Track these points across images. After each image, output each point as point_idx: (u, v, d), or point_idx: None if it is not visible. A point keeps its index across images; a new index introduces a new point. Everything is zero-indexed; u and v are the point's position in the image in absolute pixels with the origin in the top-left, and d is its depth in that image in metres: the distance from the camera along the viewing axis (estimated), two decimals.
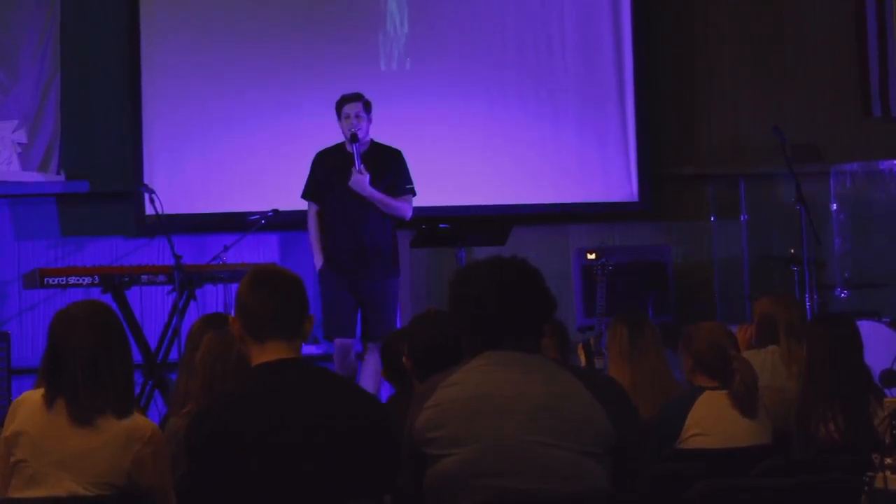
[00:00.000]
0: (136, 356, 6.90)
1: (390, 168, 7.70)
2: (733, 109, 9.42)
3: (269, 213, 8.11)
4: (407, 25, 8.95)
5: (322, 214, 7.71)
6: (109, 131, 8.72)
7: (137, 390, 6.88)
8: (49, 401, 3.69)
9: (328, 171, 7.70)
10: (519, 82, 9.02)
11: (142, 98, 8.63)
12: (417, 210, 8.20)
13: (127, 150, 8.63)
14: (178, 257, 7.41)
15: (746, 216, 9.29)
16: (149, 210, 7.91)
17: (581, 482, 3.09)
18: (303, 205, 8.61)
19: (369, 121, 7.65)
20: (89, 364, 3.68)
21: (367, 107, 7.65)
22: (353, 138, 7.53)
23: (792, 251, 8.44)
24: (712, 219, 9.32)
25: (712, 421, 4.60)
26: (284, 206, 8.30)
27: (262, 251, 8.71)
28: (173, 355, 7.29)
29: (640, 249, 8.95)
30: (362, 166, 7.52)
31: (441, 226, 7.72)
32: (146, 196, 7.85)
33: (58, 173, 8.60)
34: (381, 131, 8.75)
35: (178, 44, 8.72)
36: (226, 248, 7.92)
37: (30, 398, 3.76)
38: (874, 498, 3.29)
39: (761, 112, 9.34)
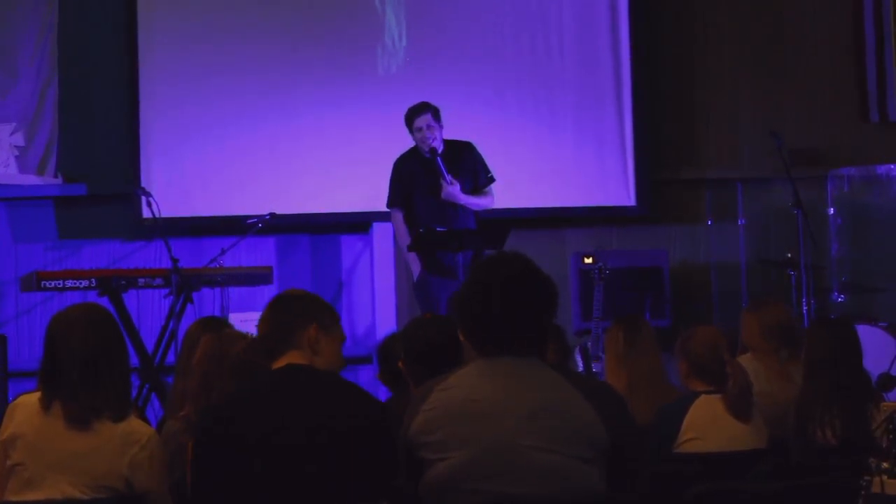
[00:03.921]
0: (133, 359, 6.90)
1: (467, 163, 7.81)
2: (731, 114, 9.42)
3: (267, 217, 8.11)
4: (405, 27, 8.94)
5: (408, 220, 7.78)
6: (107, 134, 8.72)
7: (134, 394, 6.89)
8: (46, 404, 3.69)
9: (410, 177, 7.79)
10: (516, 86, 9.02)
11: (139, 101, 8.63)
12: None
13: (124, 152, 8.63)
14: (175, 260, 7.41)
15: (744, 220, 9.30)
16: (146, 213, 7.91)
17: (575, 487, 3.09)
18: (299, 208, 8.64)
19: (441, 128, 7.73)
20: (86, 367, 3.68)
21: (436, 115, 7.74)
22: (434, 152, 7.65)
23: (789, 255, 8.44)
24: (709, 223, 9.33)
25: (708, 425, 4.60)
26: (282, 209, 8.31)
27: (259, 254, 8.71)
28: (170, 358, 7.28)
29: (637, 253, 8.95)
30: (451, 177, 7.63)
31: (438, 229, 7.72)
32: (143, 199, 7.85)
33: (55, 176, 8.59)
34: (378, 134, 8.77)
35: (176, 47, 8.72)
36: (223, 252, 7.91)
37: (27, 401, 3.76)
38: (871, 501, 3.29)
39: (759, 116, 9.34)
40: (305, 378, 3.39)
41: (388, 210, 8.21)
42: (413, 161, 7.81)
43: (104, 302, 7.02)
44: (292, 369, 3.43)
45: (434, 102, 8.48)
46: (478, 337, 3.22)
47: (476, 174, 7.84)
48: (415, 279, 7.84)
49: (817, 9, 9.47)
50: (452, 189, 7.63)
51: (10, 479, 3.67)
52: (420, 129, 7.67)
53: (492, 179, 7.87)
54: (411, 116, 7.72)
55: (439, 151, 7.67)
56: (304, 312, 3.54)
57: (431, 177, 7.66)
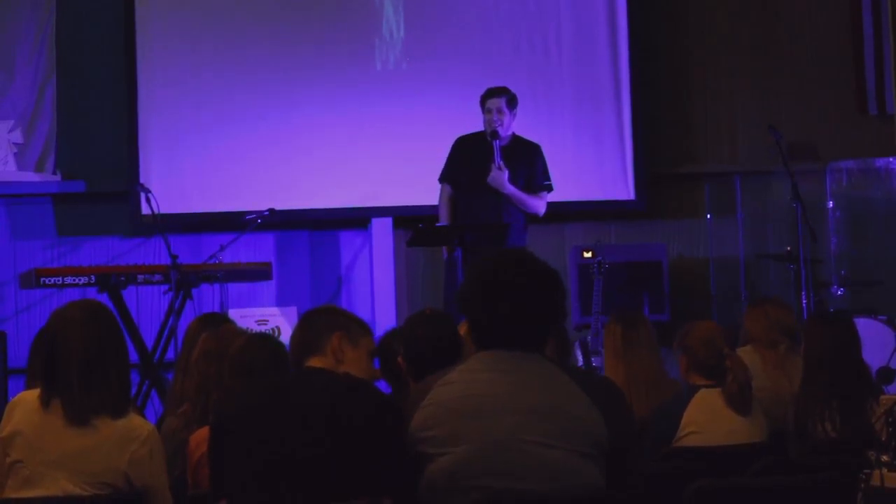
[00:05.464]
0: (133, 356, 6.91)
1: (528, 162, 7.77)
2: (729, 107, 9.42)
3: (266, 213, 8.10)
4: (403, 24, 8.94)
5: (454, 199, 7.76)
6: (105, 131, 8.72)
7: (134, 390, 6.89)
8: (45, 401, 3.69)
9: (467, 158, 7.75)
10: (515, 81, 8.96)
11: (138, 98, 8.63)
12: (416, 209, 8.19)
13: (123, 149, 8.62)
14: (174, 257, 7.42)
15: (742, 214, 9.29)
16: (145, 210, 7.91)
17: (575, 482, 3.09)
18: (298, 204, 8.63)
19: (512, 116, 7.71)
20: (86, 364, 3.68)
21: (512, 101, 7.72)
22: (494, 135, 7.60)
23: (788, 249, 8.44)
24: (708, 217, 9.32)
25: (707, 419, 4.61)
26: (280, 205, 8.30)
27: (258, 251, 8.70)
28: (170, 355, 7.29)
29: (636, 248, 8.95)
30: (501, 162, 7.57)
31: (438, 225, 7.71)
32: (142, 196, 7.85)
33: (54, 173, 8.60)
34: (377, 128, 8.77)
35: (173, 44, 8.72)
36: (222, 248, 7.91)
37: (26, 398, 3.75)
38: (870, 495, 3.29)
39: (757, 110, 9.34)
40: (313, 375, 3.41)
41: (387, 206, 8.22)
42: (473, 142, 7.80)
43: (103, 299, 7.02)
44: (304, 369, 3.47)
45: (431, 96, 8.50)
46: (483, 333, 3.22)
47: (533, 174, 7.78)
48: (444, 258, 7.83)
49: (813, 7, 9.47)
50: (498, 174, 7.56)
51: (10, 476, 3.67)
52: (490, 111, 7.66)
53: (548, 187, 7.83)
54: (487, 96, 7.73)
55: (500, 136, 7.63)
56: (330, 321, 3.58)
57: (485, 161, 7.61)
